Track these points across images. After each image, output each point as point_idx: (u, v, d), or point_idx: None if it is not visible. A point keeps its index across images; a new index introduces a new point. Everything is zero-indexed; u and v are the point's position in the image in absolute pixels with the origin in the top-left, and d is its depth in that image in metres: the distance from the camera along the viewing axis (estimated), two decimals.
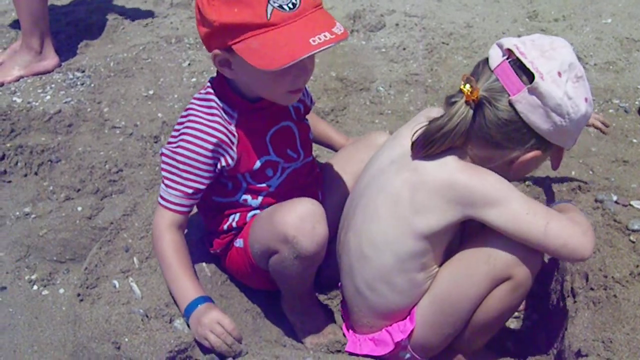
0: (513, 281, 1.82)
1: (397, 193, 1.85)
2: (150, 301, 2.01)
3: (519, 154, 1.80)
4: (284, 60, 1.73)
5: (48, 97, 3.35)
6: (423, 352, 2.01)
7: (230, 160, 1.95)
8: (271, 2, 1.74)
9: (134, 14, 4.32)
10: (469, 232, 2.00)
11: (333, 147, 2.48)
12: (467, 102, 1.75)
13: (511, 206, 1.76)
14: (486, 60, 1.80)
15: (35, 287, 2.44)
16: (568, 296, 2.12)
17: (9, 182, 2.88)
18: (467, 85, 1.74)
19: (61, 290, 2.43)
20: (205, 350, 1.87)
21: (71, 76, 3.55)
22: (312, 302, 2.22)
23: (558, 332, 2.09)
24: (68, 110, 3.23)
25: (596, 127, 2.43)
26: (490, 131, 1.77)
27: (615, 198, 2.32)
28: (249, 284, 2.20)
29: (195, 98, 2.00)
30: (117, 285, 2.06)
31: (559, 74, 1.69)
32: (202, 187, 1.95)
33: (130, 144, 3.03)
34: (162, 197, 1.97)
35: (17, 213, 2.71)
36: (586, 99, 1.75)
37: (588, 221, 1.87)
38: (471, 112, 1.75)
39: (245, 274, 2.14)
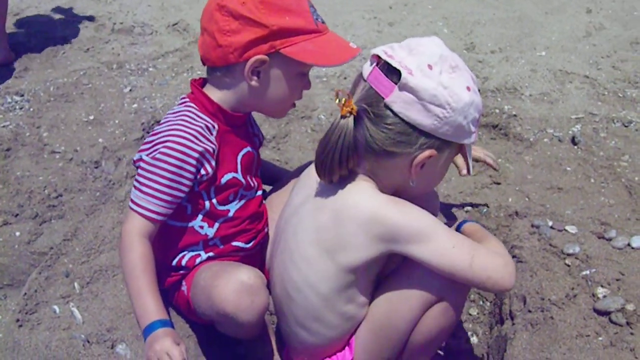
0: (444, 303, 1.82)
1: (318, 233, 1.84)
2: (92, 326, 1.98)
3: (412, 157, 1.74)
4: (342, 58, 1.94)
5: None
6: None
7: (209, 169, 1.95)
8: (313, 14, 1.95)
9: (75, 39, 4.29)
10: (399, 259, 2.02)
11: (275, 178, 2.50)
12: (342, 117, 1.71)
13: (437, 241, 1.73)
14: (361, 73, 1.79)
15: None
16: (507, 319, 2.17)
17: None
18: (337, 100, 1.72)
19: None
20: None
21: (9, 100, 3.51)
22: (263, 334, 2.21)
23: (498, 353, 2.13)
24: (6, 134, 3.18)
25: (488, 164, 2.47)
26: (377, 141, 1.72)
27: (550, 223, 2.39)
28: (195, 320, 2.18)
29: (174, 111, 2.01)
30: (58, 311, 2.03)
31: (429, 66, 1.67)
32: (181, 195, 1.93)
33: (70, 169, 2.99)
34: (136, 204, 1.92)
35: None
36: (468, 87, 1.70)
37: (504, 249, 1.86)
38: (351, 124, 1.70)
39: (190, 315, 2.14)
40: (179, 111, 1.99)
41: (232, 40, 1.89)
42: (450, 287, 1.80)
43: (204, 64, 2.01)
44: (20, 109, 3.43)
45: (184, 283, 2.06)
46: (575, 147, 3.12)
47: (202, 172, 1.95)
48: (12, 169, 2.98)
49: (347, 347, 1.98)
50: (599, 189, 2.78)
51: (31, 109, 3.42)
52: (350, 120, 1.71)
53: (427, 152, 1.73)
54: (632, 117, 3.43)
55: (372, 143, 1.73)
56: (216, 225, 2.05)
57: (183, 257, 2.06)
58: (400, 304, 1.86)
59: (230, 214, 2.06)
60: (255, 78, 1.95)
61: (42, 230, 2.68)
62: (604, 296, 2.04)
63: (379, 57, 1.73)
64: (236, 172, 2.05)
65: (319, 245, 1.82)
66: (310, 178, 1.92)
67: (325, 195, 1.84)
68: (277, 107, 2.08)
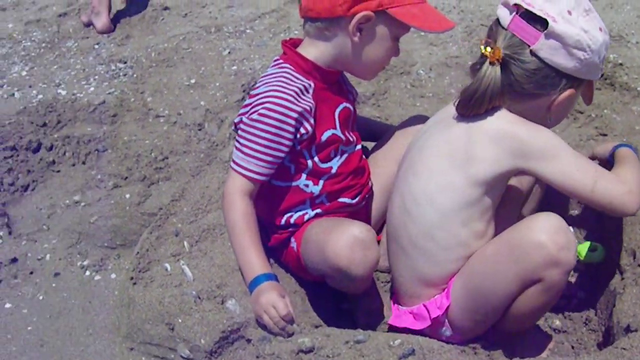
0: (544, 283, 1.80)
1: (448, 144, 1.91)
2: (202, 283, 2.04)
3: (555, 97, 1.85)
4: (444, 26, 2.00)
5: (92, 88, 3.41)
6: (461, 332, 2.02)
7: (309, 128, 1.98)
8: None
9: (172, 5, 4.36)
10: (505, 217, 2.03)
11: (375, 134, 2.50)
12: (491, 63, 1.80)
13: (562, 161, 1.80)
14: (497, 21, 1.86)
15: (87, 273, 2.51)
16: (615, 273, 2.12)
17: (58, 171, 2.95)
18: (488, 48, 1.81)
19: (113, 275, 2.49)
20: (260, 325, 1.92)
21: (113, 67, 3.61)
22: (371, 289, 2.25)
23: (606, 309, 2.09)
24: (112, 100, 3.28)
25: None
26: (523, 84, 1.82)
27: None
28: (303, 277, 2.23)
29: (269, 73, 2.04)
30: (169, 269, 2.10)
31: (569, 12, 1.76)
32: (282, 155, 1.97)
33: (174, 132, 3.07)
34: (237, 164, 1.97)
35: (67, 202, 2.78)
36: (600, 28, 1.81)
37: (638, 177, 1.89)
38: (499, 71, 1.80)
39: (299, 271, 2.19)
40: (275, 73, 2.01)
41: None
42: (549, 267, 1.77)
43: (304, 15, 2.02)
44: (124, 75, 3.53)
45: (293, 240, 2.10)
46: None
47: (302, 131, 1.97)
48: (119, 134, 3.08)
49: (444, 293, 1.99)
50: None
51: (134, 75, 3.52)
52: (498, 67, 1.81)
53: (567, 92, 1.85)
54: None
55: (517, 87, 1.83)
56: (321, 182, 2.08)
57: (291, 216, 2.10)
58: (494, 276, 1.87)
59: (334, 170, 2.08)
60: (358, 34, 1.95)
61: (150, 192, 2.77)
62: None
63: (518, 5, 1.80)
64: (335, 128, 2.07)
65: (448, 156, 1.90)
66: (446, 111, 2.00)
67: (461, 119, 1.91)
68: (370, 68, 2.11)
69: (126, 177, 2.84)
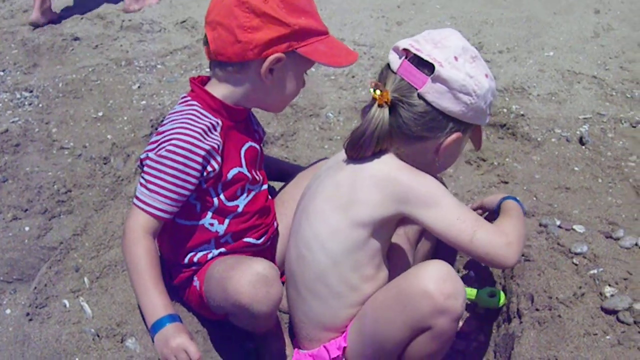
0: (433, 331, 1.82)
1: (335, 188, 1.93)
2: (102, 320, 1.99)
3: (442, 140, 1.88)
4: (349, 59, 2.05)
5: None
6: None
7: (216, 166, 1.97)
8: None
9: (83, 35, 4.30)
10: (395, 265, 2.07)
11: (284, 174, 2.51)
12: (379, 106, 1.84)
13: (443, 210, 1.83)
14: (388, 65, 1.90)
15: None
16: (514, 317, 2.17)
17: None
18: (377, 91, 1.84)
19: (8, 311, 2.40)
20: None
21: (19, 96, 3.52)
22: (276, 329, 2.22)
23: (505, 352, 2.13)
24: (15, 129, 3.19)
25: None
26: (410, 127, 1.86)
27: (558, 223, 2.39)
28: (206, 316, 2.19)
29: (176, 110, 2.03)
30: (68, 305, 2.05)
31: (455, 58, 1.82)
32: (187, 193, 1.95)
33: (79, 165, 3.00)
34: (141, 201, 1.93)
35: None
36: (486, 75, 1.87)
37: (519, 229, 1.95)
38: (387, 113, 1.84)
39: (202, 310, 2.15)
40: (182, 110, 2.01)
41: (253, 37, 1.91)
42: (437, 315, 1.79)
43: (213, 58, 2.02)
44: (30, 104, 3.45)
45: (195, 278, 2.07)
46: (583, 147, 3.11)
47: (209, 168, 1.96)
48: (21, 164, 2.99)
49: (342, 336, 2.00)
50: (607, 189, 2.78)
51: (40, 105, 3.44)
52: (386, 109, 1.84)
53: (454, 135, 1.88)
54: None
55: (405, 129, 1.86)
56: (226, 221, 2.06)
57: (194, 255, 2.07)
58: (386, 324, 1.89)
59: (240, 209, 2.08)
60: (269, 75, 1.97)
61: (51, 225, 2.69)
62: (612, 295, 2.04)
63: (407, 50, 1.85)
64: (241, 166, 2.07)
65: (333, 199, 1.92)
66: (339, 156, 2.01)
67: (350, 162, 1.94)
68: (281, 103, 2.15)
69: (26, 209, 2.75)
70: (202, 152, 1.92)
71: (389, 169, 1.87)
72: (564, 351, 1.88)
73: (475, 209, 2.29)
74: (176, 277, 2.11)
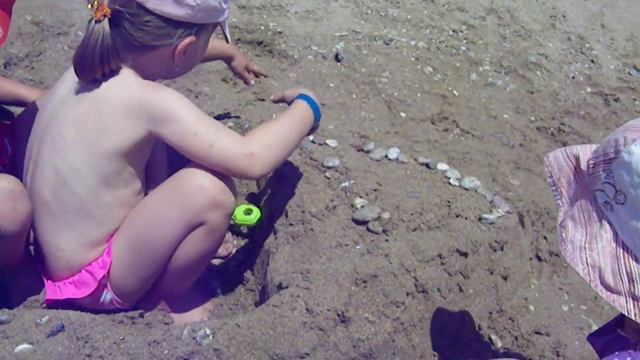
0: (207, 226, 1.81)
1: (81, 118, 1.78)
2: None
3: (173, 46, 1.80)
4: None
5: None
6: (123, 295, 1.95)
7: None
8: None
9: None
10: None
11: (25, 102, 2.30)
12: (97, 21, 1.71)
13: (181, 124, 1.75)
14: None
15: None
16: (272, 234, 2.18)
17: None
18: (89, 5, 1.71)
19: None
20: None
21: None
22: (25, 262, 2.06)
23: (262, 268, 2.14)
24: None
25: (256, 73, 2.62)
26: (136, 38, 1.76)
27: (311, 138, 2.41)
28: None
29: None
30: None
31: None
32: None
33: None
34: None
35: None
36: None
37: (278, 137, 1.86)
38: (107, 27, 1.72)
39: None
40: None
41: None
42: (212, 209, 1.79)
43: None
44: None
45: None
46: (339, 63, 3.17)
47: None
48: None
49: (105, 252, 1.90)
50: (361, 104, 2.85)
51: None
52: (106, 23, 1.71)
53: (187, 40, 1.80)
54: (393, 35, 3.55)
55: (132, 41, 1.76)
56: None
57: None
58: (159, 221, 1.83)
59: None
60: None
61: None
62: (362, 206, 2.09)
63: None
64: None
65: (82, 131, 1.77)
66: (73, 76, 1.84)
67: (87, 89, 1.79)
68: None
69: None
70: None
71: (128, 93, 1.76)
72: (316, 263, 1.90)
73: (276, 101, 2.20)
74: None
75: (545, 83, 3.54)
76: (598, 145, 1.31)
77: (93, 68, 1.74)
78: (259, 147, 1.81)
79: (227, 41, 2.02)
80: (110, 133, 1.75)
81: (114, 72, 1.79)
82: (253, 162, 1.78)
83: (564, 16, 4.36)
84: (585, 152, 1.35)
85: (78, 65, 1.76)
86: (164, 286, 1.98)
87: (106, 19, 1.71)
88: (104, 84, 1.78)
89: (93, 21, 1.71)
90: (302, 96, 2.04)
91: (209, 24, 1.85)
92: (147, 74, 1.84)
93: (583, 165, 1.33)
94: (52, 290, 1.99)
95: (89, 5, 1.70)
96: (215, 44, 2.49)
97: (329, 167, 2.24)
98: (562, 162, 1.39)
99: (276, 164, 1.87)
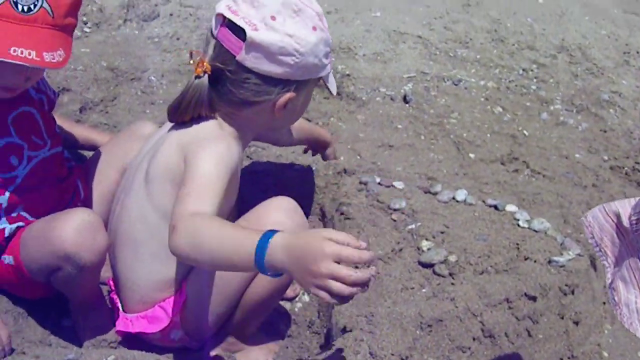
0: None
1: (166, 160, 1.83)
2: None
3: (272, 103, 1.81)
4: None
5: None
6: (194, 332, 1.97)
7: None
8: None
9: None
10: None
11: (97, 147, 2.37)
12: (197, 77, 1.76)
13: (191, 180, 1.67)
14: (211, 30, 1.81)
15: None
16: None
17: None
18: (192, 60, 1.78)
19: None
20: None
21: None
22: (97, 299, 2.11)
23: (327, 311, 2.14)
24: None
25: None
26: (236, 93, 1.78)
27: (378, 180, 2.41)
28: (21, 295, 2.06)
29: None
30: None
31: (273, 17, 1.71)
32: None
33: None
34: None
35: None
36: (314, 27, 1.78)
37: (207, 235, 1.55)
38: (205, 83, 1.76)
39: (19, 288, 2.02)
40: None
41: None
42: None
43: None
44: None
45: (5, 256, 1.93)
46: (407, 105, 3.17)
47: None
48: None
49: (179, 292, 1.93)
50: (429, 145, 2.84)
51: None
52: (205, 79, 1.76)
53: (287, 95, 1.80)
54: (462, 75, 3.53)
55: (232, 97, 1.79)
56: (6, 194, 1.90)
57: None
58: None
59: (20, 179, 1.93)
60: None
61: None
62: (428, 249, 2.08)
63: (222, 14, 1.74)
64: (10, 135, 1.92)
65: (163, 175, 1.82)
66: (162, 129, 1.94)
67: (175, 129, 1.86)
68: None
69: None
70: None
71: (190, 138, 1.79)
72: (381, 307, 1.89)
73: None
74: None
75: (619, 121, 3.46)
76: (638, 199, 1.26)
77: (183, 114, 1.81)
78: (185, 232, 1.57)
79: (332, 94, 2.04)
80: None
81: (202, 119, 1.83)
82: (172, 237, 1.58)
83: (637, 52, 4.26)
84: (625, 208, 1.29)
85: (170, 110, 1.83)
86: (232, 326, 1.99)
87: (206, 75, 1.76)
88: (184, 126, 1.84)
89: (193, 77, 1.76)
90: (269, 233, 1.44)
91: (308, 80, 1.85)
92: (246, 130, 1.89)
93: (625, 222, 1.28)
94: (124, 323, 2.03)
95: (190, 61, 1.76)
96: (312, 128, 2.54)
97: (395, 210, 2.24)
98: (602, 221, 1.34)
99: (188, 257, 1.60)
